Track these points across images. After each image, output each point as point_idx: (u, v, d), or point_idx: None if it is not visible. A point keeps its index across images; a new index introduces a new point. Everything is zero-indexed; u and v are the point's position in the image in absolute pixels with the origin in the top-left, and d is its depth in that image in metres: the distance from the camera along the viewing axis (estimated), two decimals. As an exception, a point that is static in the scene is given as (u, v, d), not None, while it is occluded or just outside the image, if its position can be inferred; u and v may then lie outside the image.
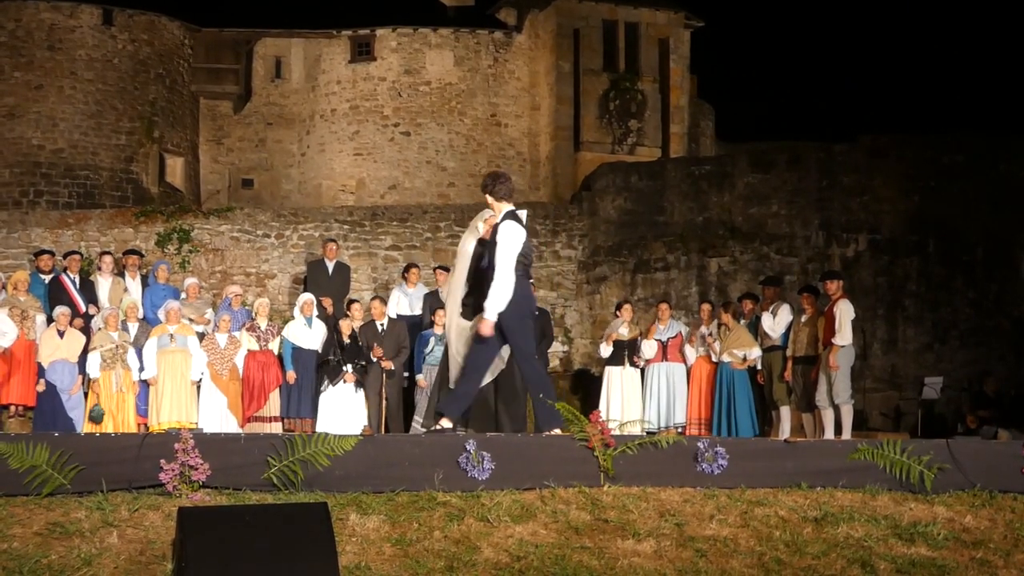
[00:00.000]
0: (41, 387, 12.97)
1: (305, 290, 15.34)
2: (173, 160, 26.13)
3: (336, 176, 26.75)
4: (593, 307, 19.52)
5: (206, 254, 18.33)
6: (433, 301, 13.89)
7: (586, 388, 17.09)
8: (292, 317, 14.10)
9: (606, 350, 14.23)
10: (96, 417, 12.73)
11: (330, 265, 15.67)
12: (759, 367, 13.29)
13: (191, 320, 13.78)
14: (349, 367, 13.14)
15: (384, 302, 14.27)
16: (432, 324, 13.60)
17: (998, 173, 19.07)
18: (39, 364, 13.06)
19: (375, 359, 13.35)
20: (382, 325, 13.69)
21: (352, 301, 14.70)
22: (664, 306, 14.43)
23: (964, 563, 7.45)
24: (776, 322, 12.97)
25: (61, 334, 13.12)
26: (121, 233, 18.20)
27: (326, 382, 13.21)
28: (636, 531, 7.45)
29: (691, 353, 13.89)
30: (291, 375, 13.40)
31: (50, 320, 13.53)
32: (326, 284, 15.39)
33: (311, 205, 24.24)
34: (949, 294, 18.70)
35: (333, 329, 13.60)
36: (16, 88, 24.48)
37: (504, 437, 8.37)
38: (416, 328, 14.05)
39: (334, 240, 16.71)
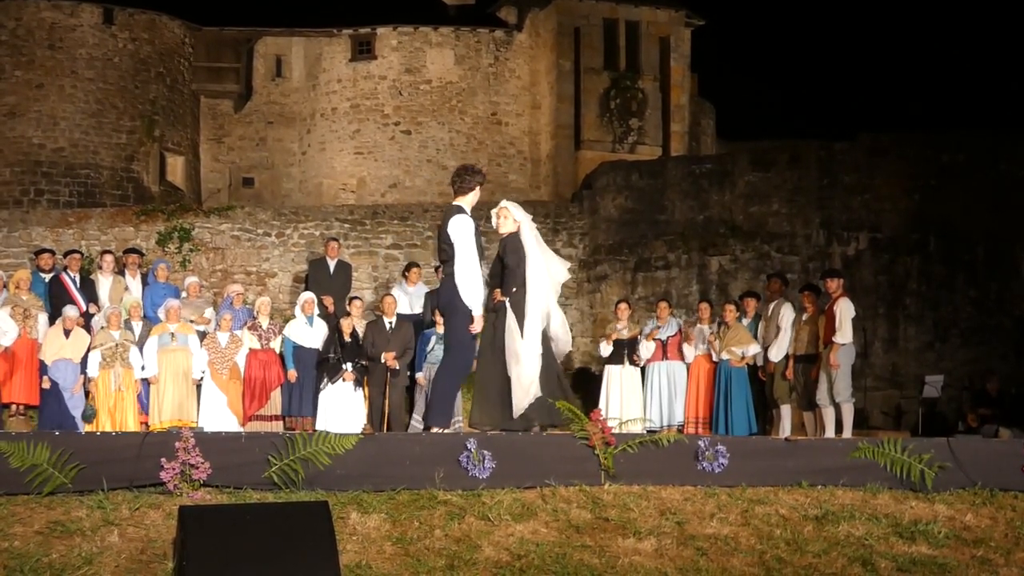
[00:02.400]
0: (46, 384, 12.97)
1: (307, 288, 15.34)
2: (174, 159, 26.12)
3: (337, 175, 26.75)
4: (594, 306, 19.51)
5: (207, 253, 18.32)
6: (434, 300, 13.87)
7: (587, 387, 17.07)
8: (293, 316, 14.10)
9: (606, 349, 14.24)
10: (87, 416, 12.71)
11: (332, 264, 15.68)
12: (759, 364, 13.30)
13: (192, 320, 13.79)
14: (348, 366, 13.14)
15: (395, 300, 14.24)
16: (433, 323, 13.58)
17: (999, 172, 19.05)
18: (42, 362, 13.06)
19: (384, 361, 13.33)
20: (390, 323, 13.68)
21: (354, 298, 14.69)
22: (663, 304, 14.43)
23: (965, 561, 7.45)
24: (782, 325, 12.92)
25: (67, 333, 13.12)
26: (122, 232, 18.19)
27: (325, 380, 13.22)
28: (637, 529, 7.46)
29: (689, 351, 13.89)
30: (292, 374, 13.41)
31: (52, 319, 13.53)
32: (327, 283, 15.39)
33: (312, 204, 24.22)
34: (950, 293, 18.68)
35: (334, 328, 13.60)
36: (17, 87, 24.46)
37: (505, 436, 8.37)
38: (417, 327, 14.04)
39: (336, 239, 16.71)
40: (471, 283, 8.51)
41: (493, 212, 9.15)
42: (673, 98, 27.05)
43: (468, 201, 8.75)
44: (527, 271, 8.84)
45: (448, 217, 8.66)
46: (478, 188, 8.80)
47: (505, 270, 8.91)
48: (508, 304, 8.80)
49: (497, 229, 9.12)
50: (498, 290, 8.96)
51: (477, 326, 8.53)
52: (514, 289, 8.82)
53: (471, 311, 8.50)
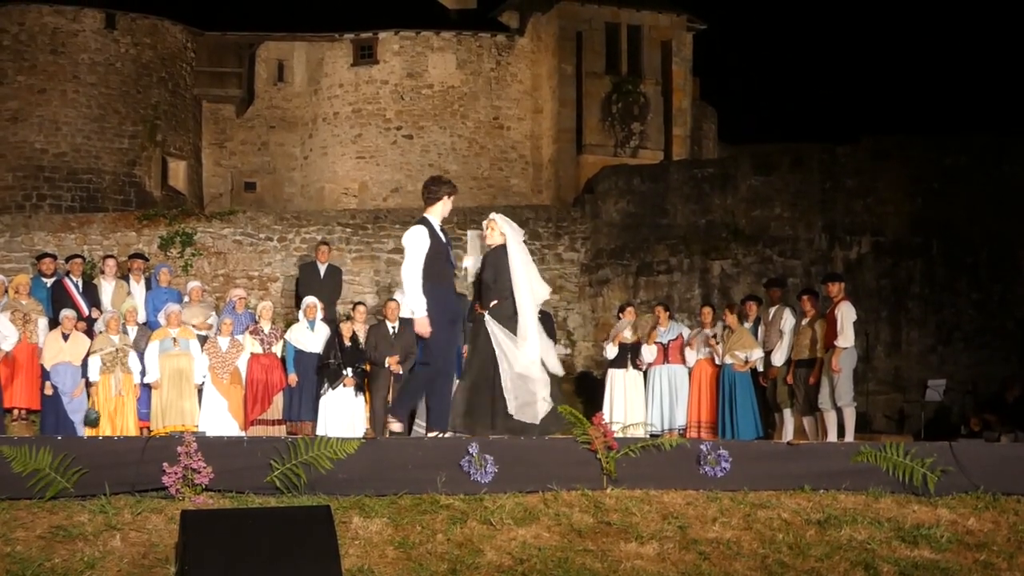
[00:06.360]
0: (48, 390, 12.97)
1: (297, 293, 15.35)
2: (176, 163, 26.15)
3: (338, 179, 26.77)
4: (596, 310, 19.50)
5: (209, 257, 18.33)
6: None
7: (589, 391, 17.07)
8: (295, 320, 14.10)
9: (612, 351, 14.23)
10: (91, 421, 12.70)
11: (322, 268, 15.71)
12: (760, 368, 13.29)
13: (194, 325, 13.80)
14: (349, 371, 13.14)
15: (399, 304, 14.23)
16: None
17: (1001, 174, 19.08)
18: (43, 367, 13.06)
19: (388, 365, 13.32)
20: (394, 327, 13.68)
21: (358, 303, 14.70)
22: (660, 308, 14.43)
23: (968, 566, 7.44)
24: (784, 330, 12.92)
25: (65, 337, 13.12)
26: (124, 237, 18.20)
27: (326, 385, 13.22)
28: (639, 534, 7.45)
29: (691, 355, 13.88)
30: (292, 378, 13.41)
31: (52, 324, 13.53)
32: (318, 287, 15.39)
33: (314, 208, 24.25)
34: (953, 296, 18.69)
35: (335, 332, 13.60)
36: (19, 92, 24.51)
37: (507, 440, 8.37)
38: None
39: (326, 243, 16.73)
40: (407, 289, 8.58)
41: (484, 223, 9.19)
42: (675, 102, 27.08)
43: (436, 212, 8.74)
44: (514, 282, 8.86)
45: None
46: (447, 198, 8.76)
47: (482, 284, 9.00)
48: (488, 315, 8.85)
49: (484, 240, 9.19)
50: (478, 303, 9.06)
51: (419, 329, 8.53)
52: (494, 302, 8.86)
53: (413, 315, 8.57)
